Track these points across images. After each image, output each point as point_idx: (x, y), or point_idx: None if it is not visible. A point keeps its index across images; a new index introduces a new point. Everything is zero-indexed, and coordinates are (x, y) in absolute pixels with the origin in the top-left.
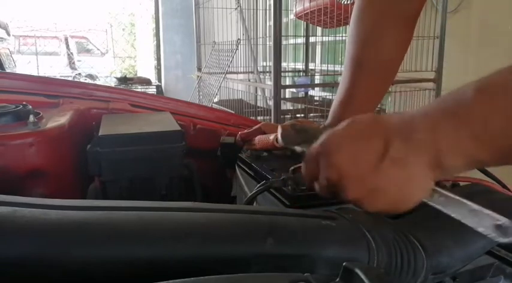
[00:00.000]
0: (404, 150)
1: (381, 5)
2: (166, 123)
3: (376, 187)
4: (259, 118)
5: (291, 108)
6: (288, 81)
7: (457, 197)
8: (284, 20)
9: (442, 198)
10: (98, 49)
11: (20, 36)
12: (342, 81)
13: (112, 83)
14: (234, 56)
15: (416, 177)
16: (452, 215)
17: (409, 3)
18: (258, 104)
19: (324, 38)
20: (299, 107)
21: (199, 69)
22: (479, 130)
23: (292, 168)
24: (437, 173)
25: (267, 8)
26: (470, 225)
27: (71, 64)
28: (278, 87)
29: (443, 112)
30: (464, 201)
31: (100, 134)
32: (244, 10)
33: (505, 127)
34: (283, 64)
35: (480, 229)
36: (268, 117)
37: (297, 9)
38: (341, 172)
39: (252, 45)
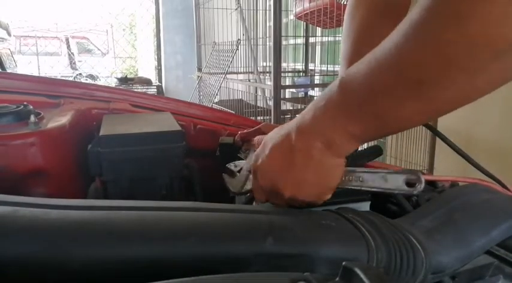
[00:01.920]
0: (302, 140)
1: (373, 3)
2: (167, 123)
3: (298, 179)
4: (259, 118)
5: (291, 108)
6: (287, 82)
7: (369, 170)
8: (284, 20)
9: (359, 176)
10: (99, 49)
11: (21, 36)
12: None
13: (113, 83)
14: (234, 56)
15: (324, 159)
16: (371, 189)
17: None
18: (258, 104)
19: (323, 38)
20: (299, 107)
21: (199, 70)
22: (347, 112)
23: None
24: (338, 151)
25: (267, 8)
26: (386, 188)
27: (72, 64)
28: (278, 87)
29: (323, 101)
30: (377, 171)
31: (101, 134)
32: (244, 10)
33: (362, 109)
34: (283, 64)
35: (395, 190)
36: (268, 117)
37: (297, 10)
38: (269, 179)
39: (252, 46)
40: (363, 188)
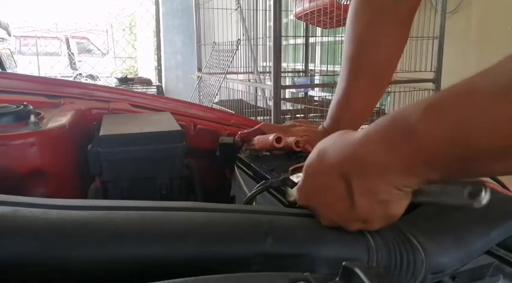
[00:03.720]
0: (364, 185)
1: (377, 5)
2: (167, 123)
3: (363, 217)
4: (259, 118)
5: (291, 108)
6: (287, 82)
7: (432, 188)
8: (284, 20)
9: (424, 195)
10: (99, 49)
11: (21, 36)
12: (340, 81)
13: (113, 83)
14: (234, 57)
15: (392, 199)
16: (428, 201)
17: (405, 1)
18: (258, 104)
19: (323, 38)
20: (299, 107)
21: (199, 70)
22: (428, 156)
23: (291, 168)
24: (407, 189)
25: (267, 8)
26: (447, 203)
27: (72, 64)
28: (278, 87)
29: (394, 137)
30: (436, 186)
31: (101, 134)
32: (244, 11)
33: (450, 154)
34: (283, 64)
35: (457, 204)
36: (268, 118)
37: (297, 10)
38: (330, 220)
39: (252, 46)
40: (419, 201)
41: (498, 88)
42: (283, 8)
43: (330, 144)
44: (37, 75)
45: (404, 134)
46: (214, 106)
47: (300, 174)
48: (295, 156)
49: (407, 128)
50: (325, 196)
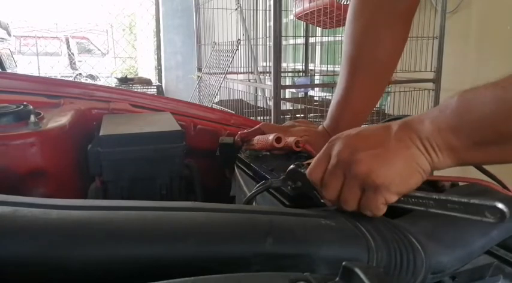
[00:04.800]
0: (404, 132)
1: (376, 4)
2: (167, 123)
3: (385, 161)
4: (259, 118)
5: (291, 108)
6: (287, 82)
7: (440, 197)
8: (284, 20)
9: (427, 203)
10: (99, 49)
11: (21, 36)
12: (339, 81)
13: (113, 83)
14: (234, 57)
15: (417, 157)
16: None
17: (404, 2)
18: (258, 104)
19: (323, 38)
20: (299, 107)
21: (199, 70)
22: (456, 123)
23: (291, 167)
24: (431, 159)
25: (267, 8)
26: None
27: (72, 64)
28: (278, 87)
29: (434, 111)
30: (451, 198)
31: (101, 134)
32: (244, 11)
33: (476, 124)
34: (283, 64)
35: (474, 219)
36: (268, 118)
37: (297, 10)
38: (352, 154)
39: (252, 46)
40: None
41: None
42: (283, 8)
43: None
44: (37, 75)
45: (442, 106)
46: (214, 106)
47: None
48: (295, 156)
49: (446, 102)
50: (371, 136)
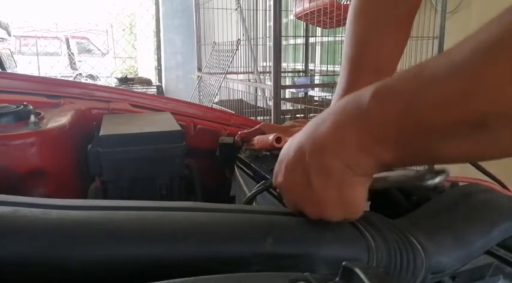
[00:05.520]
0: (318, 159)
1: (378, 5)
2: (167, 123)
3: (318, 200)
4: (259, 118)
5: (291, 108)
6: (287, 82)
7: (392, 174)
8: (284, 20)
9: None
10: (99, 49)
11: (21, 36)
12: (340, 81)
13: (113, 83)
14: (234, 57)
15: (346, 179)
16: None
17: (407, 2)
18: (258, 104)
19: (323, 38)
20: (299, 107)
21: (199, 70)
22: (379, 136)
23: None
24: (362, 172)
25: (267, 8)
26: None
27: (72, 64)
28: (278, 87)
29: (344, 114)
30: (395, 173)
31: (101, 134)
32: (244, 11)
33: (400, 132)
34: (283, 64)
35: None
36: (268, 117)
37: (297, 10)
38: (291, 200)
39: (252, 46)
40: (376, 187)
41: (452, 65)
42: (283, 8)
43: (288, 143)
44: (37, 75)
45: (356, 108)
46: (214, 106)
47: None
48: None
49: (359, 102)
50: (289, 176)
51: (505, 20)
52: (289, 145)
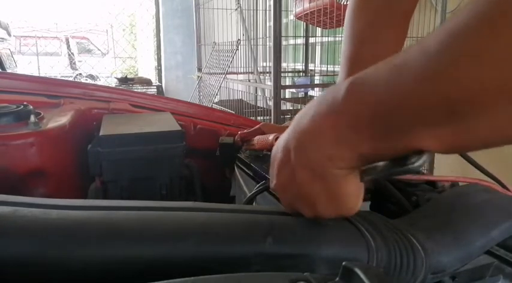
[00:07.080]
0: (301, 156)
1: (376, 3)
2: (167, 123)
3: (310, 198)
4: (259, 118)
5: (291, 108)
6: (287, 82)
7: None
8: (284, 20)
9: (374, 169)
10: (99, 49)
11: (21, 36)
12: (339, 80)
13: (113, 83)
14: (234, 57)
15: (330, 173)
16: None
17: (405, 1)
18: (258, 104)
19: (323, 38)
20: (299, 107)
21: (199, 70)
22: (351, 119)
23: None
24: (344, 165)
25: (267, 8)
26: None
27: (72, 64)
28: (278, 87)
29: (323, 107)
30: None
31: (101, 134)
32: (244, 11)
33: (373, 120)
34: (283, 64)
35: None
36: (268, 118)
37: (297, 10)
38: (286, 201)
39: (252, 46)
40: (365, 180)
41: (422, 54)
42: (283, 8)
43: (278, 143)
44: (37, 75)
45: (332, 99)
46: (214, 106)
47: None
48: None
49: (335, 94)
50: (280, 177)
51: (471, 7)
52: (277, 145)
